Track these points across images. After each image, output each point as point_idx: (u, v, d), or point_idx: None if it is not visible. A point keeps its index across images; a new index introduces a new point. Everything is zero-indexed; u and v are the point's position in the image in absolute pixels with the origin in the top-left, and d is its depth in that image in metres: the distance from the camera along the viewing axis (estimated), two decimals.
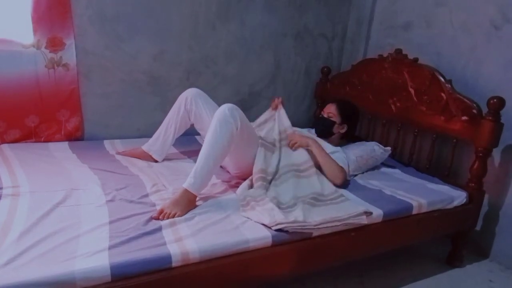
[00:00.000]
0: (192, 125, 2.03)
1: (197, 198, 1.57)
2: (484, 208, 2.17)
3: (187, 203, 1.50)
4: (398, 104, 2.38)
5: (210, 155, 1.58)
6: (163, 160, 2.01)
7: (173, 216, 1.42)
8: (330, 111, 2.16)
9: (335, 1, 2.88)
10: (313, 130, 2.27)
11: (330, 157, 1.91)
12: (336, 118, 2.14)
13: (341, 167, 1.90)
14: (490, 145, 1.93)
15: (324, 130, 2.15)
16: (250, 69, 2.70)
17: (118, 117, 2.34)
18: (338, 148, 2.06)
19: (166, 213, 1.42)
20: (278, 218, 1.44)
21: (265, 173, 1.74)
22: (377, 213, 1.69)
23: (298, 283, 1.80)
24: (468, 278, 2.02)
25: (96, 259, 1.13)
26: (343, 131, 2.17)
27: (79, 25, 2.09)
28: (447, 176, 2.18)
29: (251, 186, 1.73)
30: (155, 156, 1.98)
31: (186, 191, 1.52)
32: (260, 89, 2.79)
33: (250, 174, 1.77)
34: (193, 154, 2.10)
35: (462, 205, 1.98)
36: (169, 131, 1.99)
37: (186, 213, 1.47)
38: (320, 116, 2.21)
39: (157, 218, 1.40)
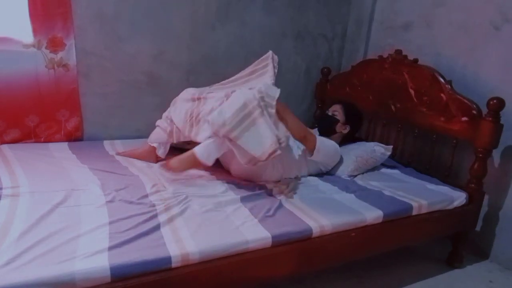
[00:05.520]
0: None
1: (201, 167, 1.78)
2: (484, 208, 2.17)
3: (190, 163, 1.71)
4: (398, 105, 2.38)
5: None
6: (163, 161, 2.01)
7: (176, 171, 1.71)
8: (336, 109, 2.20)
9: (335, 1, 2.88)
10: (314, 130, 2.28)
11: None
12: (340, 117, 2.16)
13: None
14: (490, 145, 1.93)
15: (327, 126, 2.17)
16: None
17: (117, 117, 2.34)
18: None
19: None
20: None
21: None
22: (377, 214, 1.69)
23: (298, 283, 1.80)
24: (468, 279, 2.02)
25: (96, 259, 1.13)
26: (345, 131, 2.18)
27: (79, 25, 2.09)
28: (447, 177, 2.18)
29: None
30: (160, 153, 1.98)
31: (193, 154, 1.69)
32: None
33: (255, 178, 1.82)
34: None
35: (462, 205, 1.98)
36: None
37: (185, 170, 1.73)
38: (325, 113, 2.24)
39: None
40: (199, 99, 1.86)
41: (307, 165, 2.01)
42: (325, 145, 1.98)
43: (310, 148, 1.94)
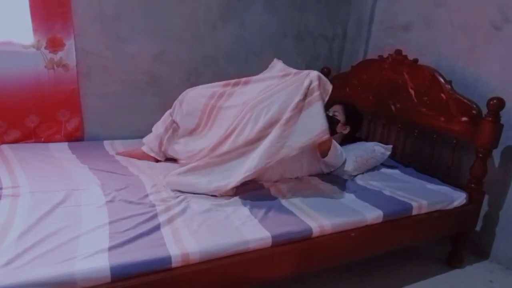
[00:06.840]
0: None
1: None
2: (484, 208, 2.17)
3: None
4: (398, 105, 2.39)
5: None
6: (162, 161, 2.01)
7: None
8: (336, 110, 2.21)
9: (335, 2, 2.88)
10: None
11: None
12: (340, 117, 2.16)
13: None
14: (490, 145, 1.93)
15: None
16: (250, 70, 2.68)
17: (118, 117, 2.34)
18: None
19: None
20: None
21: None
22: (377, 214, 1.69)
23: (298, 283, 1.80)
24: (468, 279, 2.02)
25: (96, 259, 1.13)
26: (345, 131, 2.19)
27: (79, 25, 2.09)
28: (447, 177, 2.18)
29: None
30: (158, 157, 1.99)
31: None
32: None
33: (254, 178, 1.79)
34: None
35: (462, 205, 1.98)
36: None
37: None
38: (326, 113, 2.22)
39: None
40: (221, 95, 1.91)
41: (308, 165, 2.01)
42: (335, 147, 1.97)
43: (323, 149, 1.93)
